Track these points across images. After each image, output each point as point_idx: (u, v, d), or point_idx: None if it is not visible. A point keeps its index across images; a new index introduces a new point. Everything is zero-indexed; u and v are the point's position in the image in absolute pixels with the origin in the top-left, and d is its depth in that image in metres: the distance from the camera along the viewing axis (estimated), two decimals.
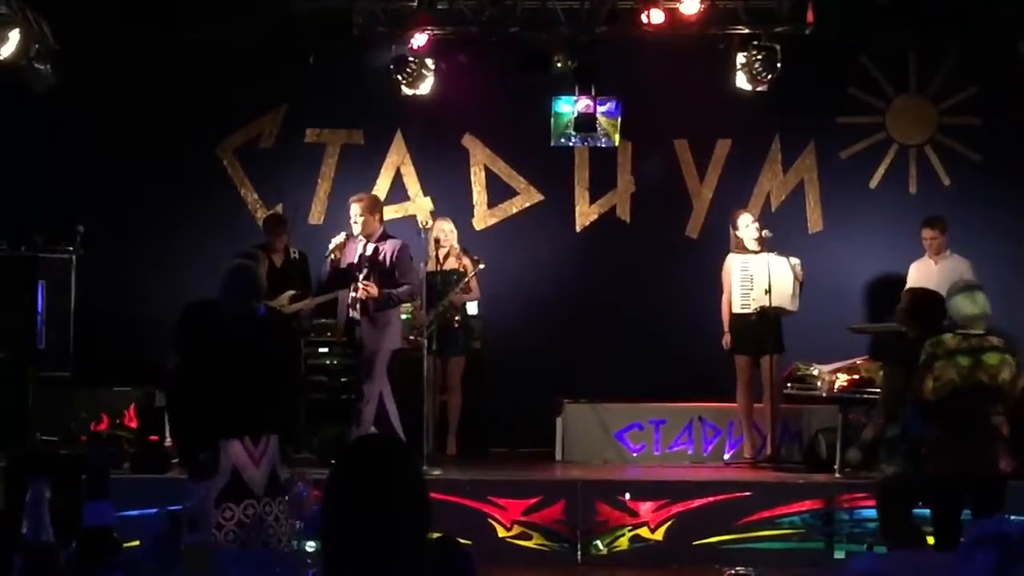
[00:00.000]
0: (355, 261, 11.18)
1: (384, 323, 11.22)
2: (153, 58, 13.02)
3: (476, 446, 12.70)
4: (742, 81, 12.61)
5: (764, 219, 12.59)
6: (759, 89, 12.62)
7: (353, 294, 11.21)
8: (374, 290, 11.01)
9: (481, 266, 12.23)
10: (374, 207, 11.42)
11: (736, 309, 12.12)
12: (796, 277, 11.97)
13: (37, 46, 11.96)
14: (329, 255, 11.26)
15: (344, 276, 11.27)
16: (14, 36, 11.59)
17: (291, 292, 11.74)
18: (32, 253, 11.81)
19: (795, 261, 12.06)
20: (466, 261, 12.33)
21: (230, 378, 7.26)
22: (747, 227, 12.24)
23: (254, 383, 7.32)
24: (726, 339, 12.12)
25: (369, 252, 11.17)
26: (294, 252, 12.22)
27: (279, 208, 13.19)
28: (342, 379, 12.00)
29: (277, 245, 12.10)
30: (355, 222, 11.19)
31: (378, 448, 3.49)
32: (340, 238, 11.30)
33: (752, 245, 12.19)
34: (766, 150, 13.78)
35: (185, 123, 13.21)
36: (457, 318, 12.26)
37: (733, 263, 12.24)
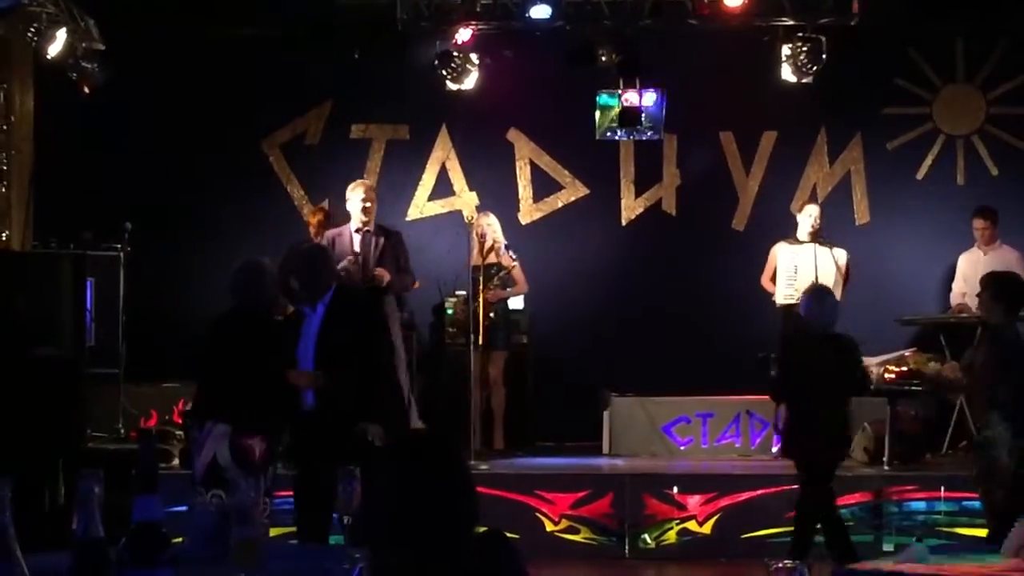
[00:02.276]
0: (357, 251, 10.96)
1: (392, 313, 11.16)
2: (199, 55, 13.15)
3: (523, 440, 12.67)
4: (787, 73, 12.52)
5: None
6: (804, 81, 12.51)
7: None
8: (387, 276, 10.93)
9: (515, 264, 12.09)
10: (377, 193, 11.43)
11: (780, 300, 12.09)
12: (839, 270, 11.91)
13: (84, 45, 12.11)
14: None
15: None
16: (61, 35, 11.74)
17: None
18: (81, 251, 11.84)
19: (841, 254, 12.01)
20: (507, 259, 12.16)
21: (211, 370, 7.74)
22: (808, 217, 12.17)
23: (226, 375, 7.66)
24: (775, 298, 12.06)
25: (373, 242, 11.01)
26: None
27: (324, 204, 13.13)
28: None
29: (320, 239, 11.76)
30: (364, 207, 10.97)
31: (425, 443, 3.49)
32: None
33: (804, 236, 12.14)
34: (812, 142, 13.77)
35: (231, 119, 13.30)
36: (492, 314, 12.08)
37: (780, 251, 12.20)
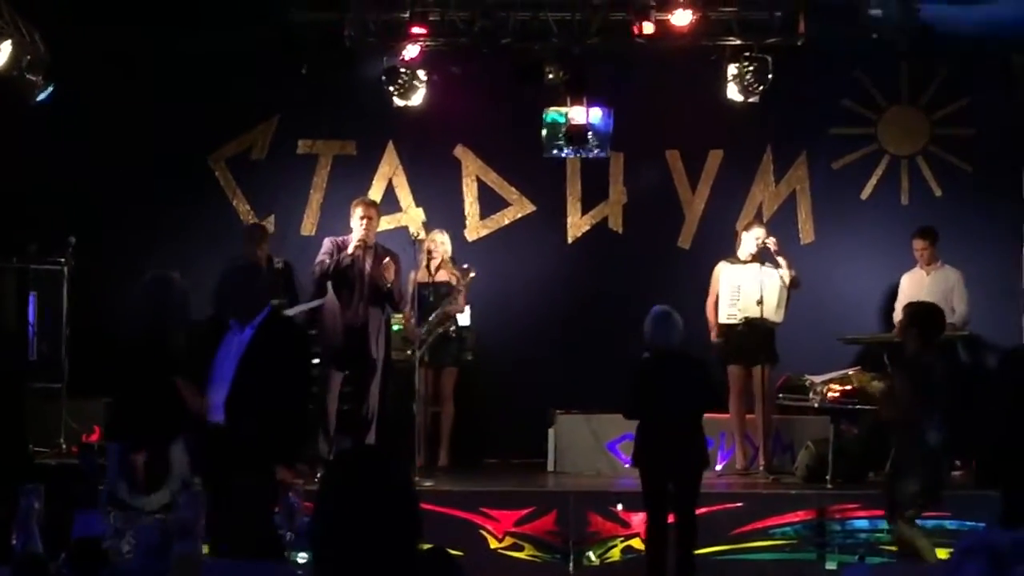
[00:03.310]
0: (358, 265, 11.40)
1: (380, 330, 11.46)
2: (145, 68, 13.02)
3: (468, 457, 12.71)
4: (734, 92, 12.62)
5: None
6: (751, 100, 12.63)
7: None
8: (392, 268, 11.32)
9: (472, 274, 12.16)
10: (378, 210, 11.81)
11: (723, 319, 12.15)
12: (785, 285, 11.98)
13: (29, 57, 11.98)
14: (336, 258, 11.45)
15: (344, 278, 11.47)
16: (6, 47, 11.60)
17: (276, 301, 11.51)
18: (24, 264, 11.79)
19: (784, 270, 12.05)
20: (457, 273, 12.28)
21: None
22: (751, 238, 12.21)
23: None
24: (714, 335, 12.16)
25: (370, 258, 11.41)
26: (277, 262, 12.16)
27: (270, 219, 13.25)
28: (344, 389, 11.86)
29: (258, 255, 11.86)
30: (362, 223, 11.40)
31: (368, 458, 3.49)
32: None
33: (745, 256, 12.22)
34: (758, 161, 13.80)
35: (177, 133, 13.13)
36: (452, 329, 12.25)
37: (722, 271, 12.28)
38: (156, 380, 7.66)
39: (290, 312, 11.44)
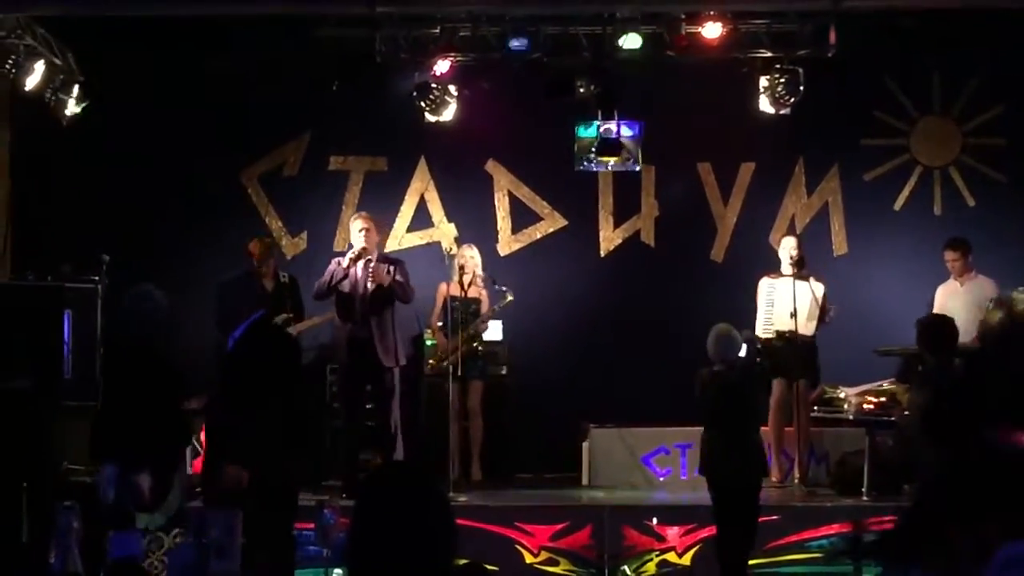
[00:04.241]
0: (360, 276, 11.44)
1: (392, 339, 11.47)
2: (177, 86, 13.08)
3: (502, 471, 12.71)
4: (765, 104, 12.62)
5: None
6: (782, 112, 12.62)
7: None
8: (386, 277, 11.34)
9: (510, 298, 12.32)
10: (377, 224, 11.79)
11: (759, 332, 12.13)
12: (816, 302, 12.00)
13: (62, 76, 12.12)
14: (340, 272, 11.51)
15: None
16: (39, 67, 11.72)
17: (284, 315, 11.66)
18: (58, 283, 11.80)
19: (818, 287, 12.08)
20: (484, 292, 12.40)
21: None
22: (784, 250, 12.28)
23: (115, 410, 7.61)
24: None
25: (372, 269, 11.45)
26: (283, 276, 12.19)
27: (303, 235, 13.32)
28: (367, 405, 11.84)
29: (265, 270, 12.04)
30: (360, 235, 11.48)
31: (404, 475, 3.51)
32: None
33: (785, 268, 12.22)
34: (790, 173, 13.82)
35: (210, 151, 13.22)
36: (476, 345, 12.31)
37: (761, 287, 12.32)
38: (149, 395, 7.64)
39: (298, 327, 11.67)
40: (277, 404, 7.60)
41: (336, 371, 12.25)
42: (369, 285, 11.47)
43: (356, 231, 11.61)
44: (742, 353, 9.99)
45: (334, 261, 11.70)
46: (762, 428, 11.29)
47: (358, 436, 11.67)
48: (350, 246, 11.69)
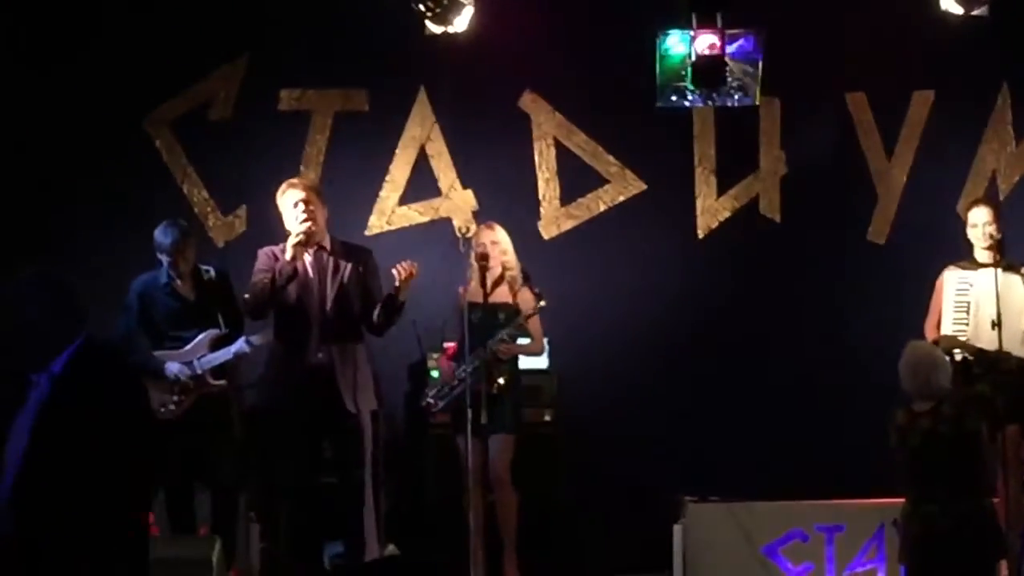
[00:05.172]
0: (311, 276, 11.01)
1: (358, 375, 11.05)
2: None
3: (551, 569, 12.17)
4: (948, 2, 11.99)
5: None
6: (975, 12, 12.01)
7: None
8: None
9: (542, 303, 11.57)
10: (321, 193, 11.08)
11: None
12: None
13: None
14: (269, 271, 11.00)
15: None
16: None
17: (213, 333, 11.20)
18: None
19: None
20: (525, 294, 11.68)
21: None
22: (976, 227, 11.65)
23: None
24: None
25: (330, 266, 11.04)
26: (207, 272, 11.49)
27: (241, 211, 12.96)
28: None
29: (181, 267, 11.30)
30: (299, 210, 10.96)
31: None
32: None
33: (980, 255, 11.59)
34: (988, 108, 13.22)
35: (101, 92, 12.80)
36: (500, 379, 11.51)
37: (947, 281, 11.71)
38: None
39: (252, 342, 11.28)
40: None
41: (264, 421, 11.63)
42: (329, 289, 10.94)
43: (291, 205, 10.89)
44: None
45: (263, 253, 11.04)
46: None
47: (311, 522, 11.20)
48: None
